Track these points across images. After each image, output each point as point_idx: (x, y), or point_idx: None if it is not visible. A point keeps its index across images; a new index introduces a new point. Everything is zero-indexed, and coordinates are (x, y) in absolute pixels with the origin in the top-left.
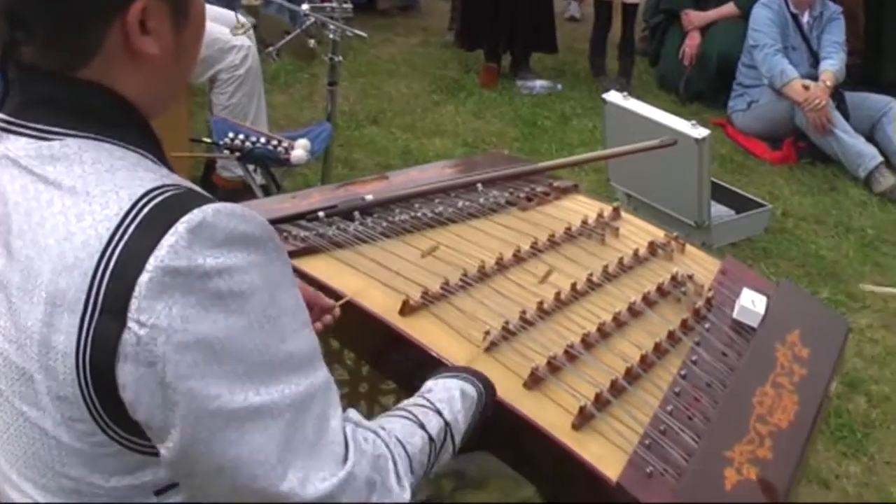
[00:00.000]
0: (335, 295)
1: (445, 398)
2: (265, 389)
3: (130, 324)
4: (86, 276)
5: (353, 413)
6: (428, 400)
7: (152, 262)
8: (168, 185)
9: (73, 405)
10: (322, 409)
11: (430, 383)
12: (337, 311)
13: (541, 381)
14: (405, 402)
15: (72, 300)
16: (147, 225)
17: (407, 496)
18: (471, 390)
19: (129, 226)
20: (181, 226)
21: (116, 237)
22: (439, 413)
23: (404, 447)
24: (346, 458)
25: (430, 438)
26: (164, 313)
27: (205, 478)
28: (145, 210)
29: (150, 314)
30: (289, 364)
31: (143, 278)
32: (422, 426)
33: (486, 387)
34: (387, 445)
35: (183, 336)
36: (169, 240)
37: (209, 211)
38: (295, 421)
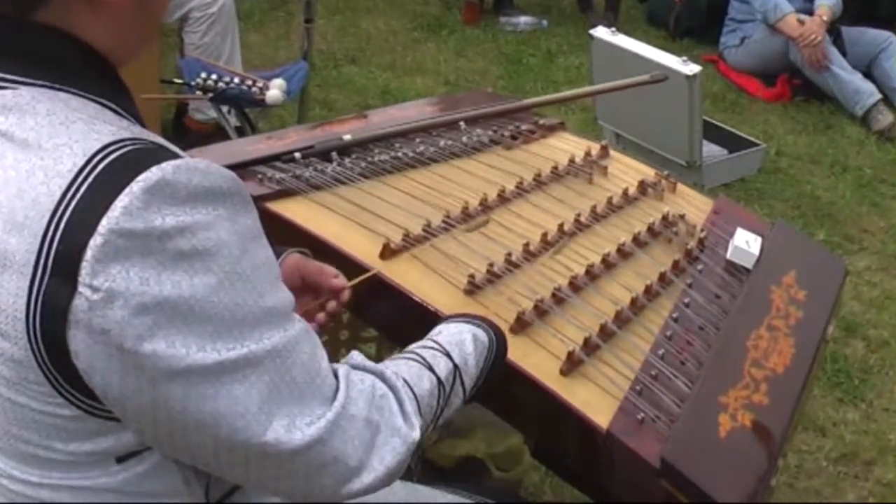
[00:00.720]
0: (320, 245)
1: (455, 341)
2: (241, 343)
3: (82, 289)
4: (35, 236)
5: (356, 355)
6: (436, 342)
7: (105, 225)
8: (126, 140)
9: (28, 368)
10: (309, 350)
11: (439, 327)
12: (346, 294)
13: (527, 326)
14: (412, 345)
15: (21, 262)
16: (101, 183)
17: (416, 435)
18: (483, 336)
19: (81, 184)
20: (136, 185)
21: (68, 196)
22: (448, 355)
23: (412, 388)
24: (335, 398)
25: (439, 381)
26: (120, 277)
27: (185, 437)
28: (100, 167)
29: (104, 278)
30: (267, 318)
31: (96, 241)
32: (430, 368)
33: (499, 336)
34: (390, 385)
35: (142, 298)
36: (123, 200)
37: (168, 168)
38: (278, 368)
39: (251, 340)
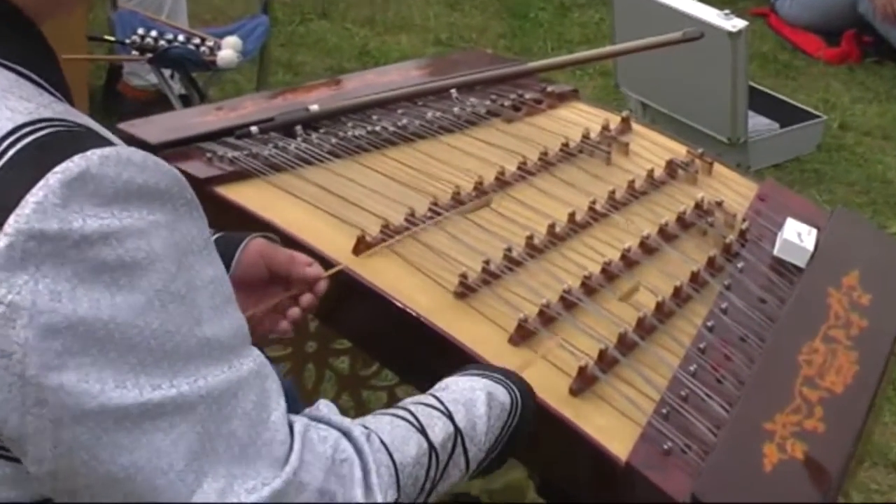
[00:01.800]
0: (280, 237)
1: (463, 399)
2: (170, 382)
3: None
4: None
5: (323, 406)
6: (438, 399)
7: (12, 224)
8: (45, 120)
9: None
10: (256, 399)
11: (448, 380)
12: (322, 285)
13: (530, 336)
14: (408, 400)
15: None
16: (10, 173)
17: None
18: (501, 395)
19: None
20: (54, 177)
21: None
22: (450, 417)
23: (390, 454)
24: (286, 461)
25: (432, 447)
26: (27, 288)
27: (90, 494)
28: (10, 153)
29: (7, 288)
30: (206, 351)
31: (1, 243)
32: (422, 430)
33: (525, 396)
34: (356, 448)
35: (51, 318)
36: (37, 195)
37: (94, 159)
38: (215, 416)
39: (183, 378)
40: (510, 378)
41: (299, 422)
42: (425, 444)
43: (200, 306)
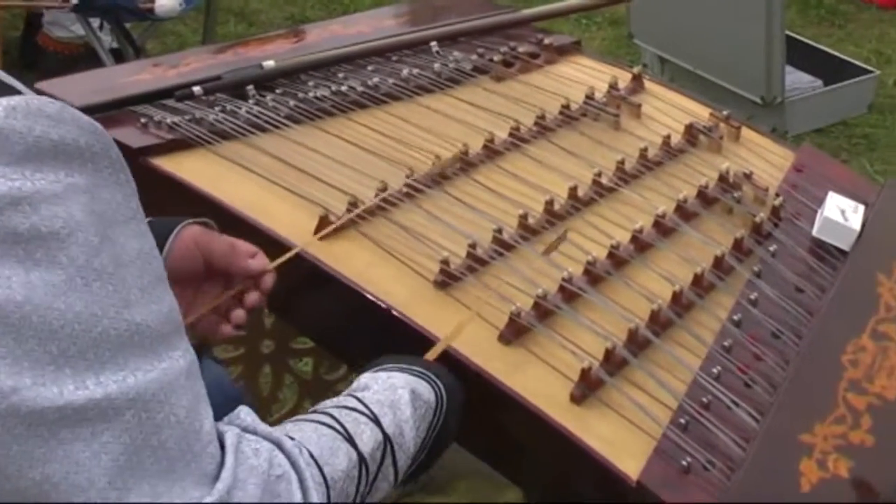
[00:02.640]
0: (228, 217)
1: (388, 401)
2: (96, 378)
3: None
4: None
5: (244, 413)
6: (361, 401)
7: None
8: None
9: None
10: (188, 404)
11: (366, 378)
12: (269, 280)
13: (524, 332)
14: (327, 402)
15: None
16: None
17: None
18: (426, 392)
19: None
20: None
21: None
22: (377, 422)
23: (320, 468)
24: (218, 476)
25: (361, 458)
26: None
27: None
28: None
29: None
30: (136, 340)
31: None
32: (349, 439)
33: (450, 389)
34: (291, 461)
35: None
36: None
37: None
38: (143, 424)
39: (111, 374)
40: (432, 370)
41: (230, 432)
42: (355, 455)
43: (128, 286)
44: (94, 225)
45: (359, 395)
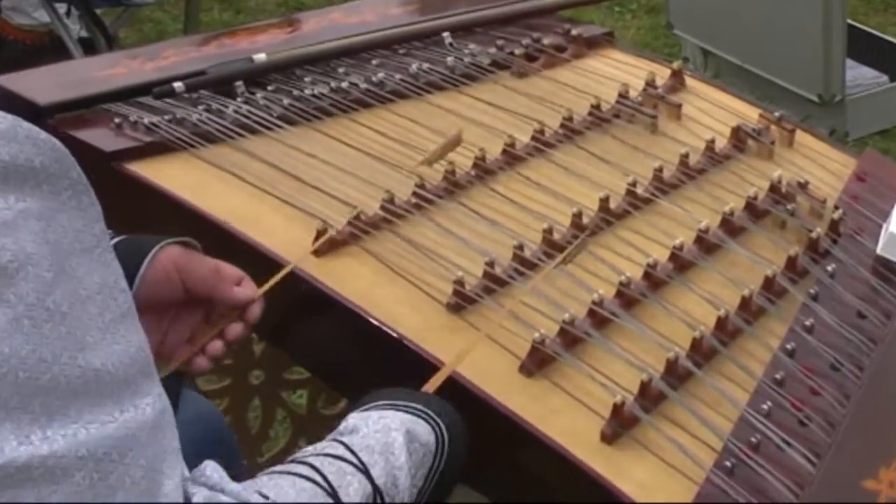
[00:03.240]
0: (215, 231)
1: (379, 446)
2: (41, 433)
3: None
4: None
5: (211, 470)
6: (348, 447)
7: None
8: None
9: None
10: (147, 463)
11: (355, 418)
12: (257, 310)
13: (548, 363)
14: (309, 450)
15: None
16: None
17: None
18: (424, 433)
19: None
20: None
21: None
22: (365, 472)
23: None
24: None
25: None
26: None
27: None
28: None
29: None
30: (92, 387)
31: None
32: (332, 493)
33: (453, 429)
34: None
35: None
36: None
37: None
38: (94, 487)
39: (59, 427)
40: (432, 407)
41: (199, 494)
42: None
43: (86, 325)
44: (49, 257)
45: (345, 439)
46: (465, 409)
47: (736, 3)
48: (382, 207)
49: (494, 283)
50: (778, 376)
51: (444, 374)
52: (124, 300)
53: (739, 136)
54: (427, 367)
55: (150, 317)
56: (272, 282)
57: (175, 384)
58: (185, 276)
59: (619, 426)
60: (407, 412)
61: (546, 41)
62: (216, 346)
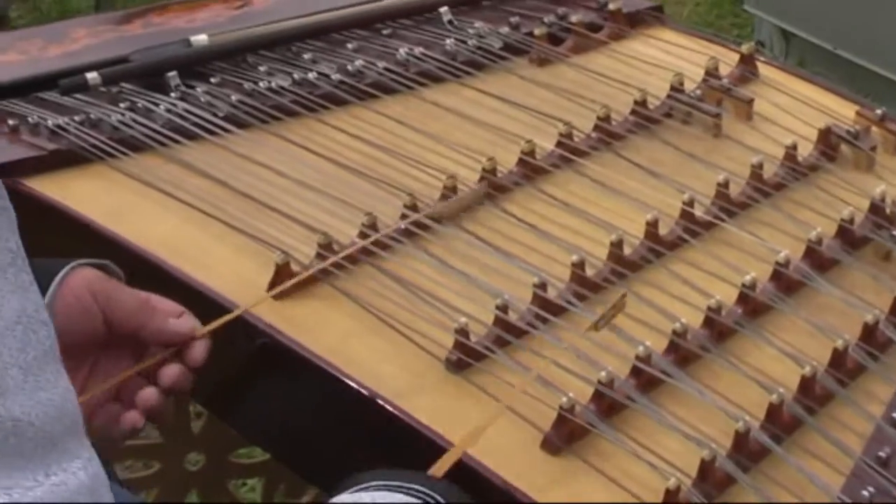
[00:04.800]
0: (139, 263)
1: None
2: None
3: None
4: None
5: None
6: None
7: None
8: None
9: None
10: None
11: (342, 501)
12: (200, 350)
13: (579, 436)
14: None
15: None
16: None
17: None
18: None
19: None
20: None
21: None
22: None
23: None
24: None
25: None
26: None
27: None
28: None
29: None
30: (11, 443)
31: None
32: None
33: None
34: None
35: None
36: None
37: None
38: None
39: None
40: (437, 490)
41: None
42: None
43: (4, 363)
44: None
45: None
46: (473, 493)
47: None
48: (361, 235)
49: (508, 332)
50: (882, 454)
51: (454, 456)
52: (46, 335)
53: (830, 141)
54: (419, 441)
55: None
56: (219, 322)
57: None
58: (106, 306)
59: None
60: (407, 494)
61: (575, 18)
62: (148, 394)
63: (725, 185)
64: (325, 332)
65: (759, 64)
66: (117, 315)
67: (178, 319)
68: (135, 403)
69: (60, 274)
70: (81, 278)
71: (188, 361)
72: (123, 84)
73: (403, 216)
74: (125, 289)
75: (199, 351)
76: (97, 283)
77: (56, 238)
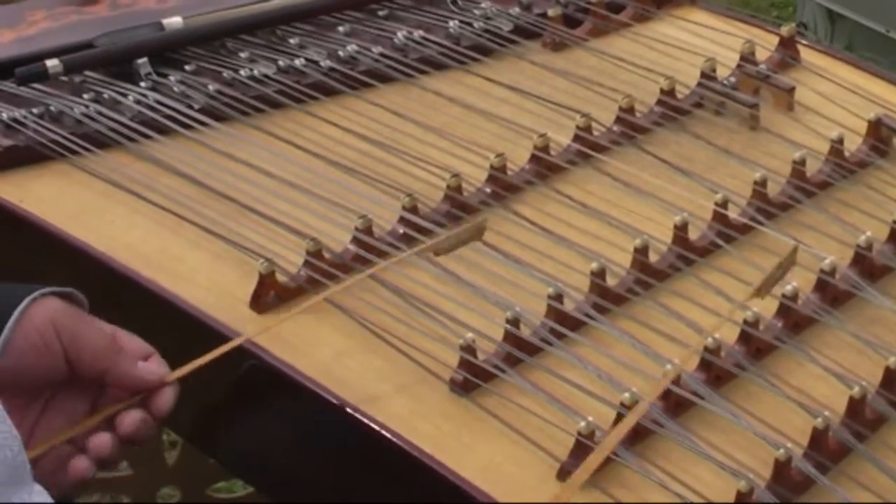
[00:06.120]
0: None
1: None
2: None
3: None
4: None
5: None
6: None
7: None
8: None
9: None
10: None
11: None
12: (167, 398)
13: (602, 466)
14: None
15: None
16: None
17: None
18: None
19: None
20: None
21: None
22: None
23: None
24: None
25: None
26: None
27: None
28: None
29: None
30: None
31: None
32: None
33: None
34: None
35: None
36: None
37: None
38: None
39: None
40: None
41: None
42: None
43: None
44: None
45: None
46: None
47: None
48: (356, 241)
49: (520, 349)
50: None
51: None
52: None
53: (881, 134)
54: (422, 474)
55: (14, 401)
56: (191, 367)
57: None
58: (70, 345)
59: None
60: None
61: None
62: (102, 442)
63: (763, 183)
64: (315, 350)
65: (800, 48)
66: (82, 356)
67: (146, 364)
68: (86, 450)
69: (21, 306)
70: (45, 312)
71: (153, 410)
72: (87, 72)
73: (402, 220)
74: (91, 324)
75: (165, 400)
76: (62, 319)
77: (12, 246)
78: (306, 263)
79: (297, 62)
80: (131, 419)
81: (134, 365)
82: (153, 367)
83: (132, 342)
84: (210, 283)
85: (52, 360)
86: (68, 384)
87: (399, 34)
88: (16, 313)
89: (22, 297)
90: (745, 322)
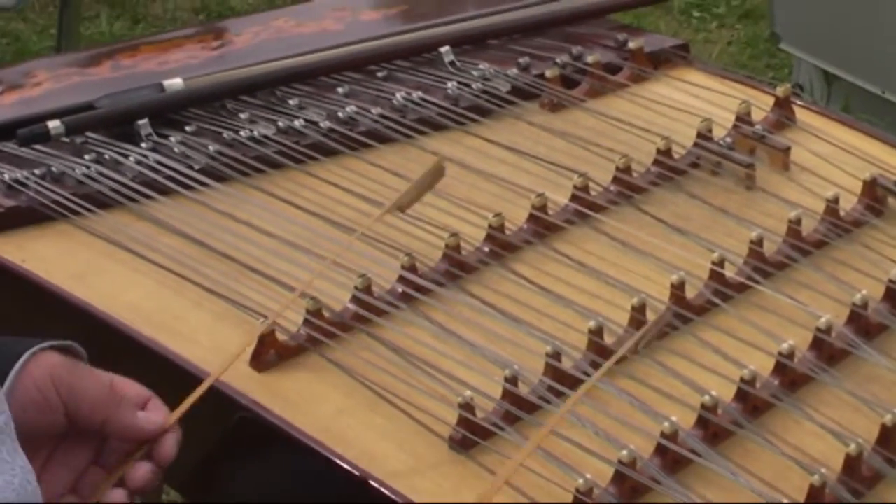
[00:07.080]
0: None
1: None
2: None
3: None
4: None
5: None
6: None
7: None
8: None
9: None
10: None
11: None
12: (170, 444)
13: None
14: None
15: None
16: None
17: None
18: None
19: None
20: None
21: None
22: None
23: None
24: None
25: None
26: None
27: None
28: None
29: None
30: None
31: None
32: None
33: None
34: None
35: None
36: None
37: None
38: None
39: None
40: None
41: None
42: None
43: None
44: None
45: None
46: None
47: (872, 8)
48: (355, 299)
49: (518, 406)
50: None
51: None
52: (4, 421)
53: (876, 194)
54: None
55: None
56: (191, 399)
57: None
58: (69, 398)
59: None
60: None
61: (591, 58)
62: (116, 497)
63: (759, 242)
64: (315, 407)
65: (796, 108)
66: (81, 409)
67: (145, 413)
68: (92, 497)
69: (21, 361)
70: (44, 367)
71: (157, 459)
72: (89, 133)
73: (401, 279)
74: (88, 375)
75: (169, 446)
76: (61, 373)
77: (14, 305)
78: (306, 322)
79: (297, 123)
80: (141, 474)
81: (133, 415)
82: (152, 415)
83: (130, 388)
84: (211, 343)
85: (52, 415)
86: (70, 436)
87: (398, 95)
88: (15, 369)
89: (21, 352)
90: (742, 380)
